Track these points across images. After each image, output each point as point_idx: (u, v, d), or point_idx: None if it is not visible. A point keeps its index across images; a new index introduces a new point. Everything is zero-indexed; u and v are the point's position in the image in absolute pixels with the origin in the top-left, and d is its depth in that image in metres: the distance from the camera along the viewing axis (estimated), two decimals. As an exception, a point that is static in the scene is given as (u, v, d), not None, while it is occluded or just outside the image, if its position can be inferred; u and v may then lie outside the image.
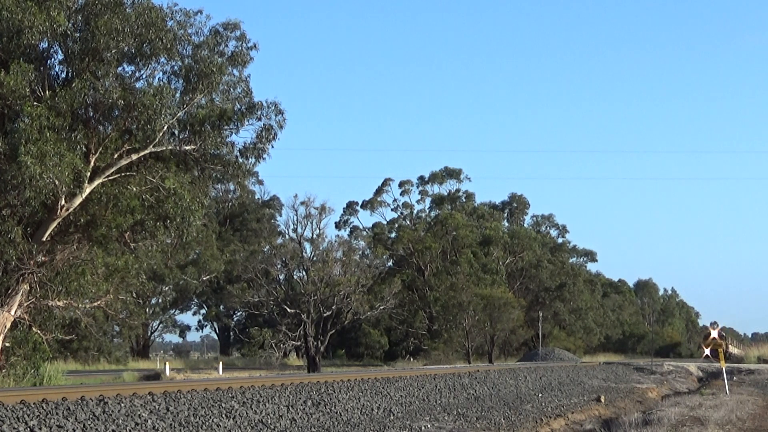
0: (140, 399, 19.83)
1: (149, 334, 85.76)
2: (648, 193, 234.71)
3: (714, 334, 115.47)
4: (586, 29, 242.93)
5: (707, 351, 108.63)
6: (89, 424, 17.23)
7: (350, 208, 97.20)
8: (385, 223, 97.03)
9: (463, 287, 74.02)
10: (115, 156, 30.70)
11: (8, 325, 30.14)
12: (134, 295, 40.38)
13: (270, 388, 24.70)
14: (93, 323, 39.73)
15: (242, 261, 66.07)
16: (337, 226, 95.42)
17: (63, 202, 29.31)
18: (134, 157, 30.89)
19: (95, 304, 32.55)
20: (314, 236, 62.37)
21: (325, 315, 58.85)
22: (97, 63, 29.65)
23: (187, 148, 31.66)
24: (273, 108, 32.69)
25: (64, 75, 30.92)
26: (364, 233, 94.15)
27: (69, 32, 29.74)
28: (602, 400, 35.44)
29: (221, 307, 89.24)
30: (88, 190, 29.94)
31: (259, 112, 32.57)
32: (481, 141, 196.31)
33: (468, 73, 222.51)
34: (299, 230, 62.23)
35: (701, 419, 26.23)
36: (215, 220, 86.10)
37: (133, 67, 31.34)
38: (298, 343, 62.55)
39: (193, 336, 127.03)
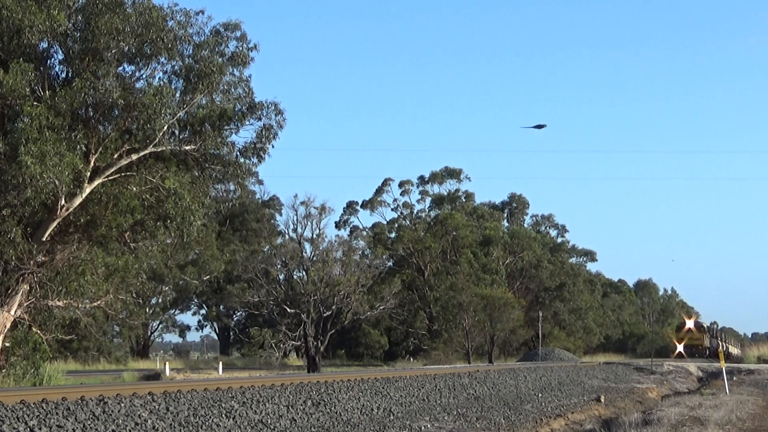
0: (140, 399, 19.82)
1: (149, 334, 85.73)
2: (648, 193, 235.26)
3: (690, 324, 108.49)
4: (586, 29, 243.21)
5: (680, 347, 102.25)
6: (89, 424, 17.23)
7: (350, 208, 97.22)
8: (385, 223, 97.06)
9: (463, 287, 73.98)
10: (115, 156, 30.69)
11: (8, 325, 30.13)
12: (134, 295, 40.36)
13: (270, 388, 24.69)
14: (93, 323, 39.71)
15: (242, 261, 66.02)
16: (337, 226, 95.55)
17: (63, 202, 29.30)
18: (134, 157, 30.87)
19: (95, 304, 32.53)
20: (314, 236, 62.41)
21: (325, 315, 58.84)
22: (97, 63, 29.63)
23: (188, 148, 31.64)
24: (273, 108, 32.70)
25: (64, 75, 30.90)
26: (364, 233, 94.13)
27: (69, 32, 29.72)
28: (602, 400, 35.42)
29: (221, 307, 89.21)
30: (88, 190, 29.93)
31: (259, 112, 32.57)
32: (481, 141, 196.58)
33: (468, 73, 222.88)
34: (299, 230, 62.28)
35: (701, 419, 26.22)
36: (215, 220, 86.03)
37: (133, 67, 31.35)
38: (298, 343, 62.54)
39: (193, 336, 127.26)
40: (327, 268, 59.64)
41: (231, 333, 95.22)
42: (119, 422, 17.82)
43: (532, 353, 75.57)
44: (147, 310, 77.08)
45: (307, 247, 62.73)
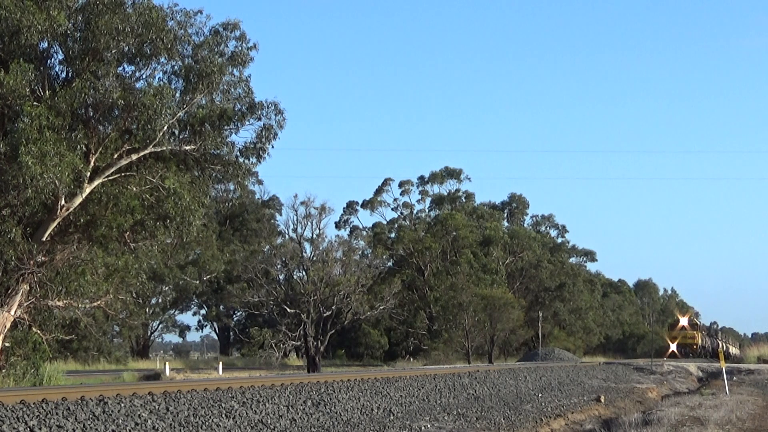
0: (140, 399, 19.83)
1: (149, 334, 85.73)
2: (648, 193, 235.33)
3: (684, 322, 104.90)
4: (586, 29, 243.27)
5: (673, 346, 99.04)
6: (89, 424, 17.23)
7: (350, 208, 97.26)
8: (385, 223, 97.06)
9: (463, 287, 74.00)
10: (115, 156, 30.67)
11: (8, 325, 30.12)
12: (134, 295, 40.37)
13: (270, 388, 24.69)
14: (93, 323, 39.74)
15: (242, 261, 66.03)
16: (337, 226, 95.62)
17: (63, 202, 29.30)
18: (134, 157, 30.86)
19: (95, 304, 32.52)
20: (314, 236, 62.40)
21: (325, 315, 58.83)
22: (97, 63, 29.62)
23: (187, 148, 31.62)
24: (273, 108, 32.67)
25: (64, 75, 30.90)
26: (364, 233, 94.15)
27: (69, 32, 29.70)
28: (602, 400, 35.42)
29: (221, 307, 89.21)
30: (88, 190, 29.92)
31: (259, 112, 32.54)
32: (481, 141, 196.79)
33: (468, 73, 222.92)
34: (299, 230, 62.25)
35: (701, 419, 26.23)
36: (215, 220, 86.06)
37: (133, 67, 31.33)
38: (298, 343, 62.52)
39: (193, 336, 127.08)
40: (327, 268, 59.61)
41: (231, 333, 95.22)
42: (119, 422, 17.82)
43: (532, 353, 75.56)
44: (147, 310, 77.10)
45: (307, 247, 62.79)
